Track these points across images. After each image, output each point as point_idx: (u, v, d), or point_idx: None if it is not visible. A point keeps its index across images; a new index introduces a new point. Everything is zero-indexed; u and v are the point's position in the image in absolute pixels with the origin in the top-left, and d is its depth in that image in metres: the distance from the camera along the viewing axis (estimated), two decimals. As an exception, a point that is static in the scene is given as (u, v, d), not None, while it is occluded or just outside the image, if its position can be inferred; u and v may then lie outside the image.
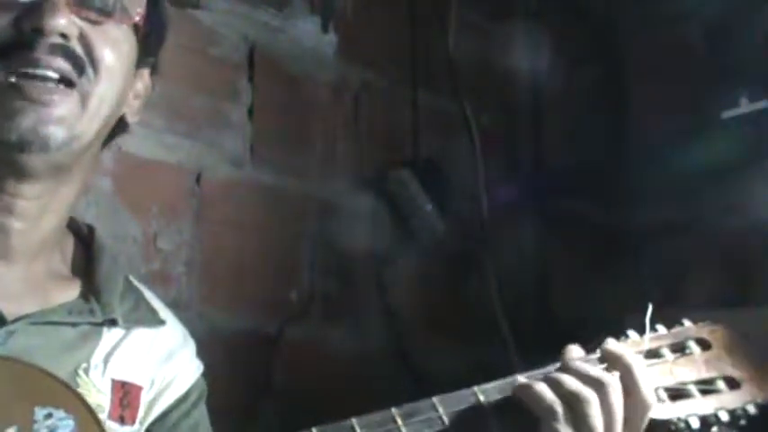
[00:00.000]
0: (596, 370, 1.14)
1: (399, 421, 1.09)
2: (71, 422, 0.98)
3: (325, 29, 2.20)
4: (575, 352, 1.20)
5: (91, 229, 1.31)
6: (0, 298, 1.12)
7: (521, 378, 1.15)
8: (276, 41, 2.10)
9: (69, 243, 1.27)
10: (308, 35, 2.17)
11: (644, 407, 1.13)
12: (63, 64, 1.10)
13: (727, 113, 2.20)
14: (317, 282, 2.10)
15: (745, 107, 2.18)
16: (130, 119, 1.26)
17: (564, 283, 2.42)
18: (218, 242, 1.95)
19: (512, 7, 2.57)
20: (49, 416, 0.98)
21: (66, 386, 1.01)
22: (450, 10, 2.38)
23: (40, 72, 1.09)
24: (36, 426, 0.97)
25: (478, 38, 2.48)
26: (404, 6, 2.38)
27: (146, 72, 1.27)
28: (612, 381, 1.12)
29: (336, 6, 2.22)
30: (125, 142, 1.81)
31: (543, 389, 1.12)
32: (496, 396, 1.14)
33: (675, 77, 2.35)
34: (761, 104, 2.16)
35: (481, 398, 1.13)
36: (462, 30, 2.40)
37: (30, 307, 1.14)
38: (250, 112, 2.03)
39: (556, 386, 1.12)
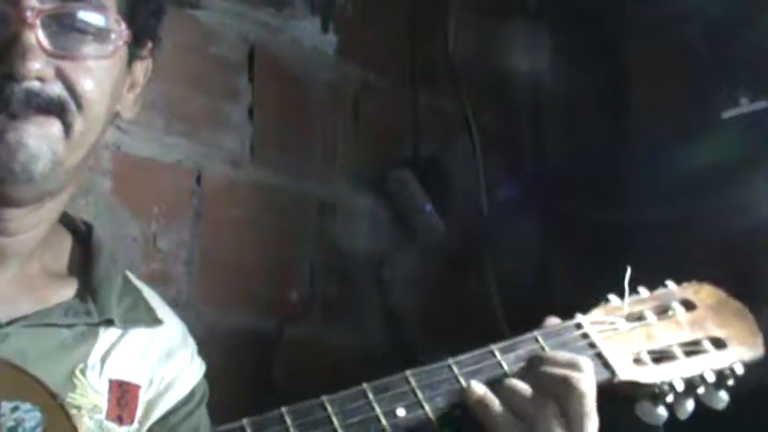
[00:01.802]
0: (564, 372, 1.09)
1: (371, 396, 1.07)
2: (38, 414, 0.99)
3: (325, 29, 2.20)
4: (554, 320, 1.20)
5: (89, 226, 1.29)
6: None
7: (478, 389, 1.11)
8: (276, 41, 2.10)
9: (66, 241, 1.26)
10: (308, 35, 2.17)
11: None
12: (39, 114, 1.05)
13: (727, 113, 2.19)
14: (317, 282, 2.10)
15: (745, 107, 2.17)
16: (126, 115, 1.23)
17: (564, 282, 2.42)
18: (218, 242, 1.95)
19: (512, 7, 2.57)
20: (16, 408, 0.98)
21: (34, 379, 1.01)
22: (450, 10, 2.38)
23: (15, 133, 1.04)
24: (3, 419, 0.97)
25: (478, 38, 2.48)
26: (404, 6, 2.38)
27: (141, 63, 1.23)
28: (579, 384, 1.07)
29: (336, 6, 2.22)
30: (125, 142, 1.81)
31: (498, 413, 1.07)
32: (470, 367, 1.12)
33: (675, 77, 2.34)
34: (761, 104, 2.16)
35: (455, 369, 1.11)
36: (462, 30, 2.40)
37: (25, 308, 1.13)
38: (250, 112, 2.03)
39: (510, 402, 1.08)
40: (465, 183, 2.34)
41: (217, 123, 1.98)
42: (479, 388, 1.10)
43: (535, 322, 1.21)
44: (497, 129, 2.51)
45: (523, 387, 1.09)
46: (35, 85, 1.05)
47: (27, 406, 0.99)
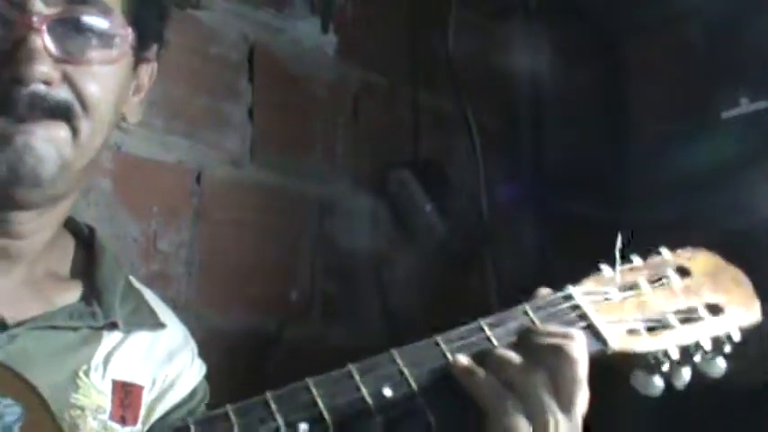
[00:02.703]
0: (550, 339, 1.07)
1: (357, 377, 1.05)
2: (18, 408, 0.99)
3: (325, 29, 2.20)
4: (544, 291, 1.19)
5: (92, 229, 1.30)
6: (0, 303, 1.12)
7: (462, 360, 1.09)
8: (276, 41, 2.10)
9: (70, 244, 1.27)
10: (308, 35, 2.17)
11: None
12: (45, 118, 1.06)
13: (727, 113, 2.19)
14: (317, 282, 2.10)
15: (745, 107, 2.17)
16: (131, 119, 1.24)
17: (564, 282, 2.42)
18: (218, 242, 1.95)
19: (512, 7, 2.57)
20: None
21: (16, 374, 1.01)
22: (450, 10, 2.38)
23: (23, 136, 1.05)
24: None
25: (478, 38, 2.48)
26: (404, 6, 2.38)
27: (146, 66, 1.24)
28: (569, 350, 1.05)
29: (336, 6, 2.22)
30: (125, 142, 1.81)
31: (485, 381, 1.05)
32: (458, 343, 1.09)
33: (675, 77, 2.35)
34: (761, 104, 2.16)
35: (443, 345, 1.09)
36: (462, 30, 2.40)
37: (31, 311, 1.14)
38: (250, 112, 2.03)
39: (498, 372, 1.06)
40: (465, 183, 2.34)
41: (217, 123, 1.98)
42: (464, 359, 1.08)
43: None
44: (497, 129, 2.51)
45: (512, 356, 1.06)
46: (41, 88, 1.06)
47: (7, 401, 0.99)
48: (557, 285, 1.20)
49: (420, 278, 2.28)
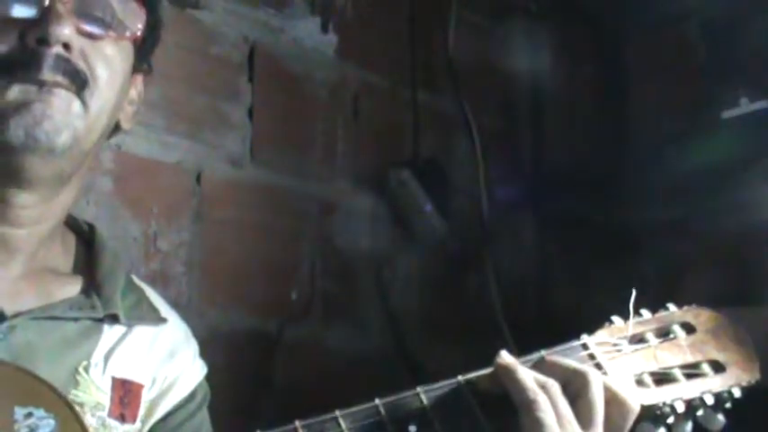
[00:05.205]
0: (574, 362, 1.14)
1: (383, 412, 1.07)
2: (52, 421, 0.98)
3: (325, 29, 2.20)
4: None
5: (91, 227, 1.31)
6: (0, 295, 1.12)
7: (507, 358, 1.13)
8: (276, 41, 2.10)
9: (71, 241, 1.28)
10: (308, 35, 2.17)
11: (626, 411, 1.12)
12: (66, 82, 1.10)
13: (727, 113, 2.20)
14: (317, 282, 2.10)
15: (745, 107, 2.18)
16: (124, 125, 1.27)
17: (564, 282, 2.42)
18: (218, 242, 1.95)
19: (512, 7, 2.57)
20: (30, 415, 0.98)
21: (47, 385, 1.00)
22: (450, 10, 2.38)
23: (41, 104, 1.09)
24: (16, 425, 0.96)
25: (478, 38, 2.48)
26: (404, 6, 2.38)
27: (139, 78, 1.29)
28: (594, 373, 1.11)
29: (336, 6, 2.22)
30: (125, 142, 1.81)
31: (528, 376, 1.10)
32: (483, 386, 1.12)
33: (675, 77, 2.35)
34: (761, 104, 2.16)
35: (466, 388, 1.12)
36: (462, 30, 2.40)
37: (30, 303, 1.15)
38: (250, 112, 2.03)
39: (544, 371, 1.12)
40: (465, 183, 2.34)
41: (217, 123, 1.98)
42: (509, 356, 1.13)
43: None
44: (497, 129, 2.51)
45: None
46: (63, 52, 1.10)
47: (41, 413, 0.98)
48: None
49: (420, 278, 2.29)
